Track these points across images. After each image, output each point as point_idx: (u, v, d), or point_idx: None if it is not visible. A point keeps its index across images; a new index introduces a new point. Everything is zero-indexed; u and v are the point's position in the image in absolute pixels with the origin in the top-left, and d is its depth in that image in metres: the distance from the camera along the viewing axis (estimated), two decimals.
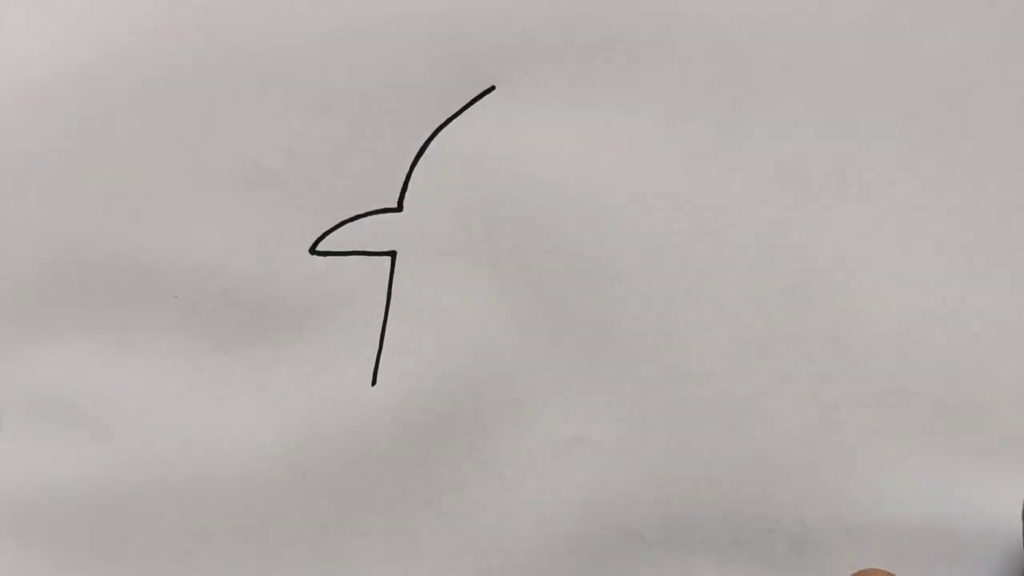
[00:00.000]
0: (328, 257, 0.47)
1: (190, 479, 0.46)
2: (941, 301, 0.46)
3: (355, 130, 0.47)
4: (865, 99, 0.46)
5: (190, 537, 0.45)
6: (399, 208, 0.47)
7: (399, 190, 0.47)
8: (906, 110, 0.46)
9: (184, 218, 0.47)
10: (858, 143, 0.46)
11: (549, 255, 0.46)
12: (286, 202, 0.47)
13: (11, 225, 0.47)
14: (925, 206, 0.46)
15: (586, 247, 0.46)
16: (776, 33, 0.47)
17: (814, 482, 0.45)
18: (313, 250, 0.47)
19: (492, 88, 0.47)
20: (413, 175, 0.47)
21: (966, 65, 0.47)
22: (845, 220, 0.46)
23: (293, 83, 0.47)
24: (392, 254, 0.47)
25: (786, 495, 0.45)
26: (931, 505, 0.44)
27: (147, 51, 0.47)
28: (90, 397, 0.46)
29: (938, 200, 0.46)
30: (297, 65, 0.47)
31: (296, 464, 0.46)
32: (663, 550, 0.45)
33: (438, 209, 0.47)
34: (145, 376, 0.46)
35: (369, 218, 0.47)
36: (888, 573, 0.25)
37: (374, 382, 0.46)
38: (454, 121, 0.47)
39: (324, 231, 0.47)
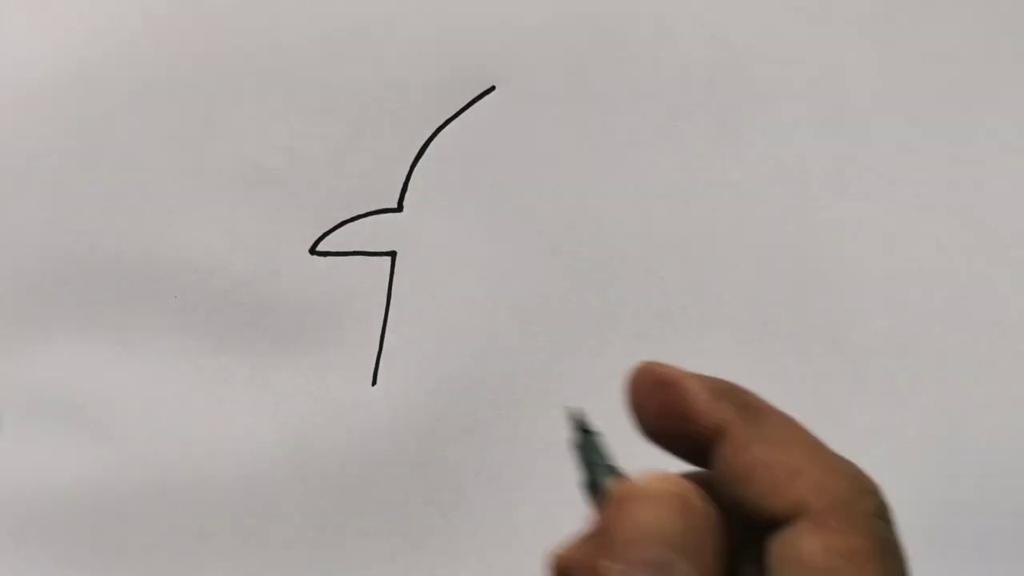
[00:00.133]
0: (328, 257, 0.47)
1: (190, 479, 0.46)
2: (941, 301, 0.46)
3: (355, 130, 0.47)
4: (865, 99, 0.46)
5: (190, 537, 0.45)
6: (399, 208, 0.47)
7: (399, 190, 0.47)
8: (906, 110, 0.46)
9: (184, 218, 0.47)
10: (858, 143, 0.46)
11: (549, 255, 0.46)
12: (286, 202, 0.47)
13: (11, 225, 0.47)
14: (925, 206, 0.46)
15: (586, 247, 0.46)
16: (776, 33, 0.47)
17: None
18: (313, 250, 0.47)
19: (492, 88, 0.47)
20: (413, 175, 0.47)
21: (966, 65, 0.47)
22: (845, 220, 0.46)
23: (293, 83, 0.47)
24: (392, 254, 0.47)
25: None
26: (931, 505, 0.44)
27: (147, 51, 0.47)
28: (90, 397, 0.46)
29: (938, 200, 0.46)
30: (297, 65, 0.47)
31: (296, 464, 0.46)
32: None
33: (438, 209, 0.47)
34: (145, 376, 0.46)
35: (369, 218, 0.47)
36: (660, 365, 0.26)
37: (374, 382, 0.46)
38: (454, 121, 0.47)
39: (324, 231, 0.47)
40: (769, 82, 0.47)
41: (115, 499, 0.46)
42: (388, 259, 0.47)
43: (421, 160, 0.47)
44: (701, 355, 0.46)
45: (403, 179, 0.47)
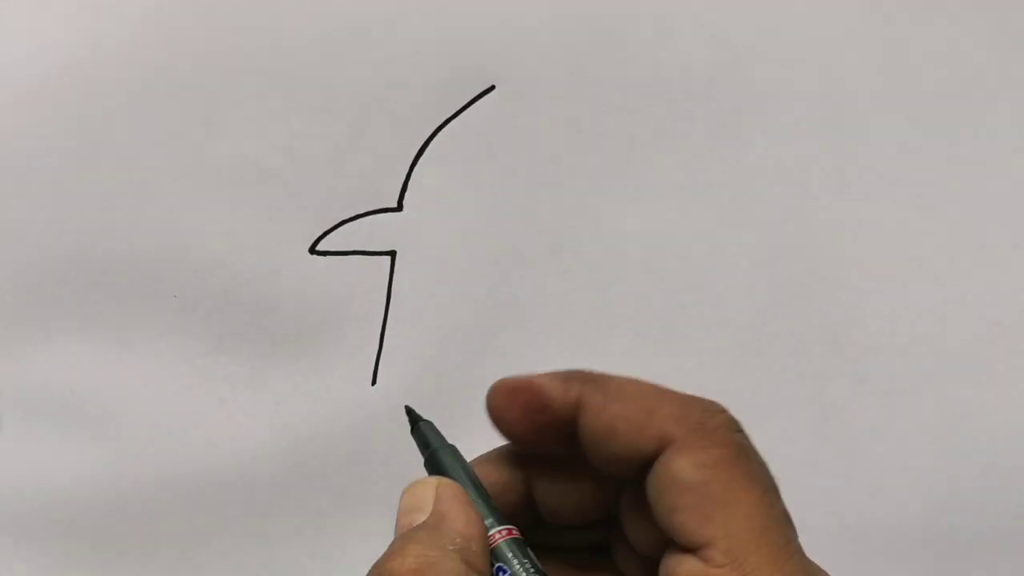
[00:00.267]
0: (328, 257, 0.47)
1: (190, 479, 0.46)
2: (941, 301, 0.46)
3: (355, 130, 0.47)
4: (865, 99, 0.46)
5: (190, 537, 0.45)
6: (399, 208, 0.47)
7: (399, 190, 0.47)
8: (906, 109, 0.46)
9: (184, 218, 0.47)
10: (858, 143, 0.46)
11: (549, 255, 0.46)
12: (286, 202, 0.47)
13: (11, 225, 0.47)
14: (925, 206, 0.46)
15: (586, 247, 0.46)
16: (776, 33, 0.47)
17: (814, 482, 0.45)
18: (313, 250, 0.47)
19: (492, 88, 0.47)
20: (413, 175, 0.47)
21: (966, 65, 0.47)
22: (845, 220, 0.46)
23: (293, 83, 0.47)
24: (392, 254, 0.46)
25: (786, 495, 0.45)
26: (931, 505, 0.44)
27: (147, 51, 0.47)
28: (90, 397, 0.46)
29: (938, 200, 0.46)
30: (297, 65, 0.47)
31: (296, 464, 0.46)
32: None
33: (438, 209, 0.47)
34: (145, 376, 0.46)
35: (369, 218, 0.47)
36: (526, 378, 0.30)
37: (374, 382, 0.46)
38: (454, 121, 0.47)
39: (324, 231, 0.47)
40: (769, 82, 0.47)
41: (115, 499, 0.46)
42: (388, 258, 0.47)
43: (421, 160, 0.47)
44: (701, 355, 0.46)
45: (403, 179, 0.47)
